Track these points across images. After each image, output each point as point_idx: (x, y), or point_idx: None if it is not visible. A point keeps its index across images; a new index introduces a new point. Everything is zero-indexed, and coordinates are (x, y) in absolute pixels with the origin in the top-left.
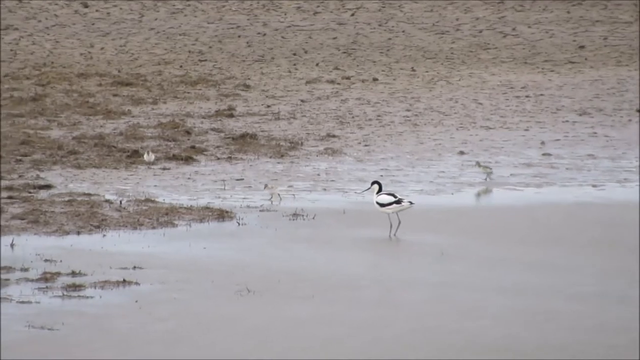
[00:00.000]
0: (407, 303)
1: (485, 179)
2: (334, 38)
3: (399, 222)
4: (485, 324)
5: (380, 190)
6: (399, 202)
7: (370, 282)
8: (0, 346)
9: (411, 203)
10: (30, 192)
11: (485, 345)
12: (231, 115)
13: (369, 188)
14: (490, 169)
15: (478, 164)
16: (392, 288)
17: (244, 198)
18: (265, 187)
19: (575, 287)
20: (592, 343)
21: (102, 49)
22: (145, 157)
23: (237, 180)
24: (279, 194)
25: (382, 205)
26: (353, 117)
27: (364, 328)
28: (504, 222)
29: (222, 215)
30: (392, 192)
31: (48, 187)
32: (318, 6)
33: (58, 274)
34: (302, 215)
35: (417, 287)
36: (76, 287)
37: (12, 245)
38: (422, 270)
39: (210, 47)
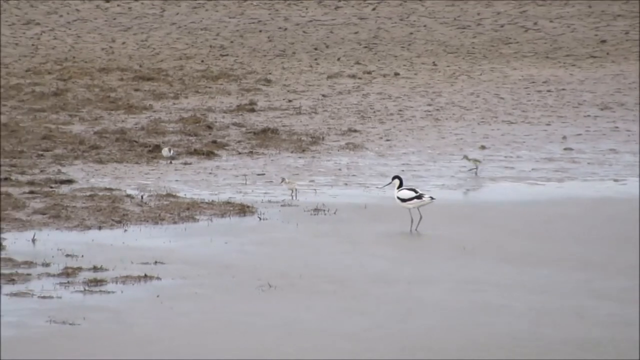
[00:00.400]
0: (428, 298)
1: (475, 173)
2: (356, 33)
3: (420, 217)
4: (508, 320)
5: (401, 185)
6: (419, 197)
7: (392, 277)
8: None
9: (432, 198)
10: (51, 187)
11: (507, 341)
12: (252, 110)
13: (390, 183)
14: (480, 161)
15: (466, 157)
16: (413, 283)
17: (265, 193)
18: (282, 182)
19: (597, 283)
20: (616, 339)
21: (123, 43)
22: (164, 152)
23: (259, 175)
24: (296, 189)
25: (403, 200)
26: (374, 112)
27: (386, 323)
28: (526, 217)
29: (244, 210)
30: (413, 187)
31: (69, 182)
32: (339, 1)
33: (79, 269)
34: (324, 210)
35: (438, 282)
36: (97, 282)
37: (33, 240)
38: (443, 265)
39: (231, 42)
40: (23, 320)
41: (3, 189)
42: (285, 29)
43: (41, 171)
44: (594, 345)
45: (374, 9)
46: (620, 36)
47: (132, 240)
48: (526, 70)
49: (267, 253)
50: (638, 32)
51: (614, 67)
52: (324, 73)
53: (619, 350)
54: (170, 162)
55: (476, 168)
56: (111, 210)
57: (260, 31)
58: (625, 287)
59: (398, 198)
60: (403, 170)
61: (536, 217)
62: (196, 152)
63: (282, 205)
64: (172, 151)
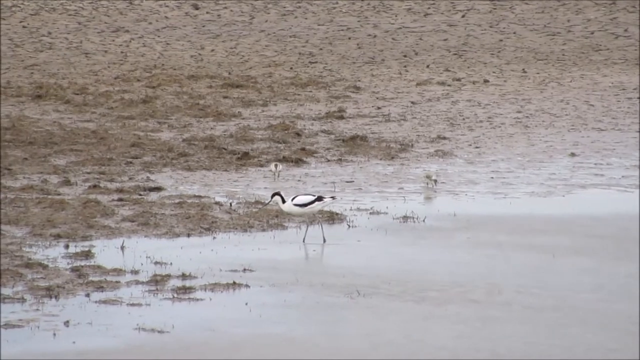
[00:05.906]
0: (518, 303)
1: (432, 186)
2: (445, 39)
3: (308, 226)
4: (589, 329)
5: (283, 200)
6: (320, 199)
7: (481, 284)
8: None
9: (333, 198)
10: (140, 195)
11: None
12: (341, 117)
13: (271, 200)
14: (435, 180)
15: (428, 176)
16: (503, 289)
17: (354, 200)
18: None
19: None
20: None
21: (212, 51)
22: (273, 168)
23: (347, 182)
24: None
25: (303, 205)
26: (463, 119)
27: (478, 328)
28: (617, 226)
29: (332, 217)
30: (309, 193)
31: (158, 189)
32: (429, 8)
33: (168, 276)
34: (412, 218)
35: (528, 288)
36: (186, 289)
37: (122, 247)
38: (532, 272)
39: (320, 49)
40: (112, 328)
41: (92, 196)
42: (375, 36)
43: (130, 178)
44: None
45: (463, 16)
46: None
47: (221, 248)
48: (616, 77)
49: (355, 261)
50: None
51: None
52: (413, 80)
53: None
54: (259, 169)
55: (433, 184)
56: (200, 218)
57: (350, 38)
58: None
59: (297, 205)
60: (492, 177)
61: (626, 226)
62: (285, 159)
63: (370, 213)
64: (280, 165)
